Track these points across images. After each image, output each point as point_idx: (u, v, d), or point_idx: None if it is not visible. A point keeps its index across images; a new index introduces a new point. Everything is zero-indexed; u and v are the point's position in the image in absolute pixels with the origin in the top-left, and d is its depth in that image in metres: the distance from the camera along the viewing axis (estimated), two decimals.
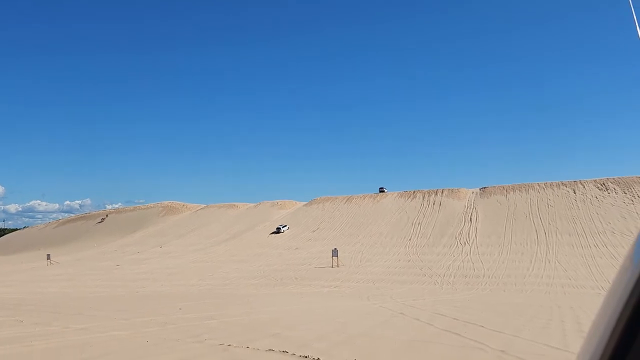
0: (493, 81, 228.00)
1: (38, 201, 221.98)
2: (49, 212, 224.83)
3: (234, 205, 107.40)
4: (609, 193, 72.06)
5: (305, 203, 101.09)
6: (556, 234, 60.85)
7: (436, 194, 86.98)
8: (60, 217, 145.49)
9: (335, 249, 54.27)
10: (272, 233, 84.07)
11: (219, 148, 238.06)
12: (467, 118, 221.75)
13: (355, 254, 60.01)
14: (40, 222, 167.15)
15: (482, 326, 15.66)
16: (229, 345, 11.82)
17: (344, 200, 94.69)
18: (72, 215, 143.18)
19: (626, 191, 71.23)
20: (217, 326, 15.35)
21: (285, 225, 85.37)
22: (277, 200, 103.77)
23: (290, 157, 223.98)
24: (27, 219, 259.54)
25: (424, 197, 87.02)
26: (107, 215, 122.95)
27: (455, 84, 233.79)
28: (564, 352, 11.55)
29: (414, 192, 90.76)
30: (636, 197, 68.64)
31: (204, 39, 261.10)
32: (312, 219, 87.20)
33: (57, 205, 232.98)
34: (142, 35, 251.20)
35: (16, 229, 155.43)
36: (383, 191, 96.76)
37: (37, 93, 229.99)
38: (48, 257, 70.51)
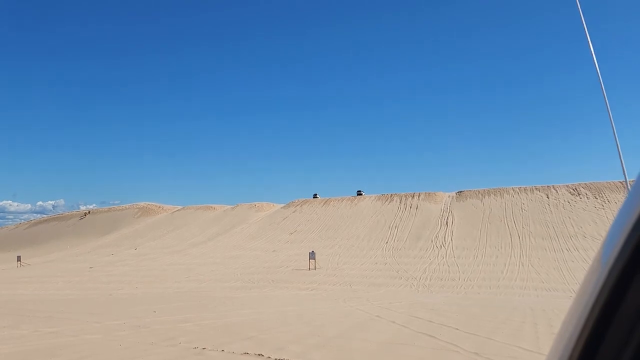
0: (472, 83, 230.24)
1: (9, 201, 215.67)
2: (20, 212, 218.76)
3: (211, 207, 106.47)
4: (580, 198, 73.70)
5: (283, 205, 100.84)
6: (530, 238, 61.92)
7: (413, 197, 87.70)
8: (32, 218, 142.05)
9: (313, 251, 54.24)
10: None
11: (197, 149, 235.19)
12: (445, 121, 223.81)
13: (333, 256, 60.07)
14: (11, 222, 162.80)
15: (457, 329, 15.83)
16: (204, 348, 11.71)
17: (322, 203, 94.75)
18: (45, 216, 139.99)
19: (597, 196, 72.96)
20: (192, 329, 15.19)
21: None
22: (255, 203, 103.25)
23: (268, 159, 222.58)
24: None
25: (401, 200, 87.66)
26: (89, 212, 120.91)
27: (434, 87, 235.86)
28: (536, 354, 11.75)
29: (391, 195, 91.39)
30: (606, 202, 70.35)
31: (176, 40, 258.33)
32: (289, 221, 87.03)
33: (29, 206, 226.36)
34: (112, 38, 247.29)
35: None
36: (361, 194, 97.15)
37: (6, 93, 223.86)
38: (18, 258, 68.71)
